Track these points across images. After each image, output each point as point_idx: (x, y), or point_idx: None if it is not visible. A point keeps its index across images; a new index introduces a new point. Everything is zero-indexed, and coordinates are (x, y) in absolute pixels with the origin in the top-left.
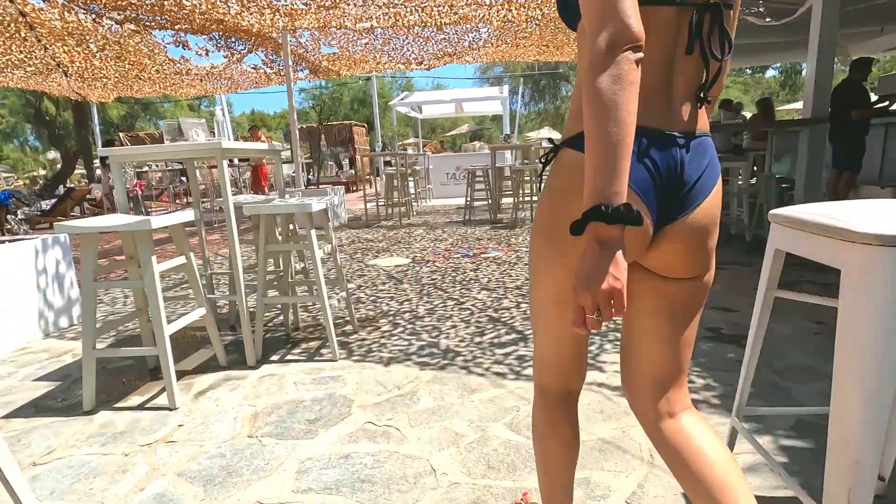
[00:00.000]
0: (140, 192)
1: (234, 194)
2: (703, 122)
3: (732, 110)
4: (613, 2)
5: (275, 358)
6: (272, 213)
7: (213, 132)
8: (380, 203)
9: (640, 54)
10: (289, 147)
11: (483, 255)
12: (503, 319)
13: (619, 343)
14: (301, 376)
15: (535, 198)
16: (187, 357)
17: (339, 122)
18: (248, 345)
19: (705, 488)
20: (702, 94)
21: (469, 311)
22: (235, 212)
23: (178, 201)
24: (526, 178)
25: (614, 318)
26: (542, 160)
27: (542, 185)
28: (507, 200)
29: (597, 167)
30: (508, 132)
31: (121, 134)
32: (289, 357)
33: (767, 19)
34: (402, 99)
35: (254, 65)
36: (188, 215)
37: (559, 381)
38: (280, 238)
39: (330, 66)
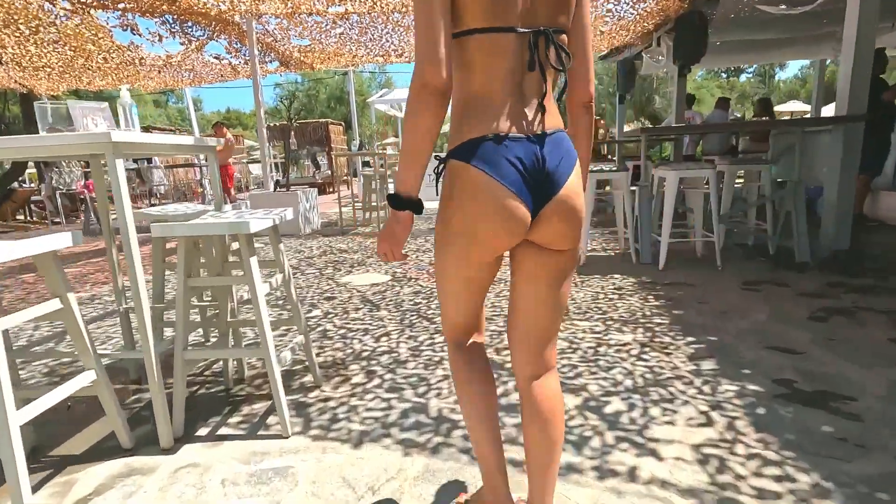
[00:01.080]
0: (90, 194)
1: (171, 200)
2: (555, 121)
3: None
4: (428, 51)
5: (203, 432)
6: (190, 234)
7: (119, 121)
8: (356, 206)
9: (447, 93)
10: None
11: None
12: (508, 366)
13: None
14: (234, 469)
15: None
16: (76, 435)
17: (315, 119)
18: (161, 421)
19: (546, 443)
20: (546, 102)
21: None
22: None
23: (143, 202)
24: None
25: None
26: (436, 170)
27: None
28: None
29: (401, 169)
30: None
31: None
32: (223, 430)
33: (782, 6)
34: (381, 96)
35: (216, 54)
36: (62, 240)
37: (465, 333)
38: (212, 266)
39: (303, 59)
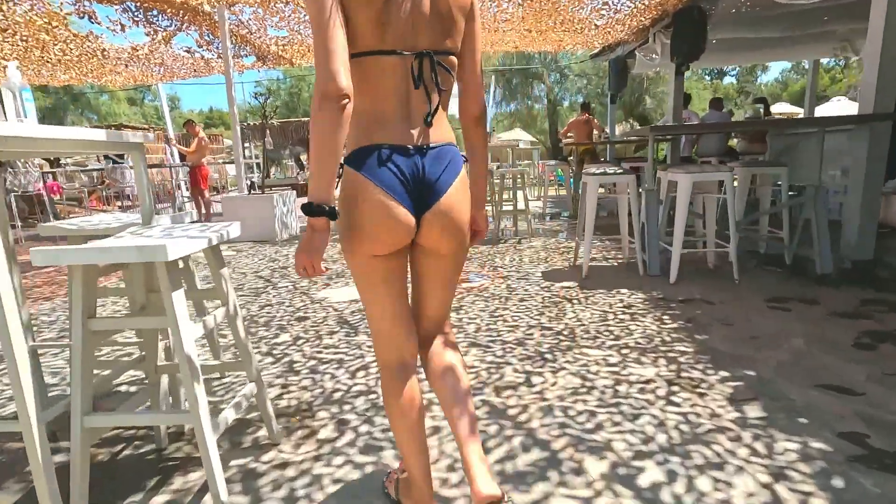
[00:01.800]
0: (50, 196)
1: (153, 199)
2: (440, 135)
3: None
4: (325, 63)
5: None
6: (84, 262)
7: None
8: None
9: (344, 101)
10: (246, 146)
11: (464, 284)
12: (512, 412)
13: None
14: None
15: (521, 205)
16: None
17: (297, 118)
18: None
19: (449, 402)
20: (432, 118)
21: None
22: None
23: (115, 204)
24: (505, 183)
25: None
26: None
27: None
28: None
29: (311, 179)
30: (487, 130)
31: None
32: None
33: None
34: None
35: (187, 47)
36: None
37: (395, 353)
38: (135, 297)
39: (281, 53)
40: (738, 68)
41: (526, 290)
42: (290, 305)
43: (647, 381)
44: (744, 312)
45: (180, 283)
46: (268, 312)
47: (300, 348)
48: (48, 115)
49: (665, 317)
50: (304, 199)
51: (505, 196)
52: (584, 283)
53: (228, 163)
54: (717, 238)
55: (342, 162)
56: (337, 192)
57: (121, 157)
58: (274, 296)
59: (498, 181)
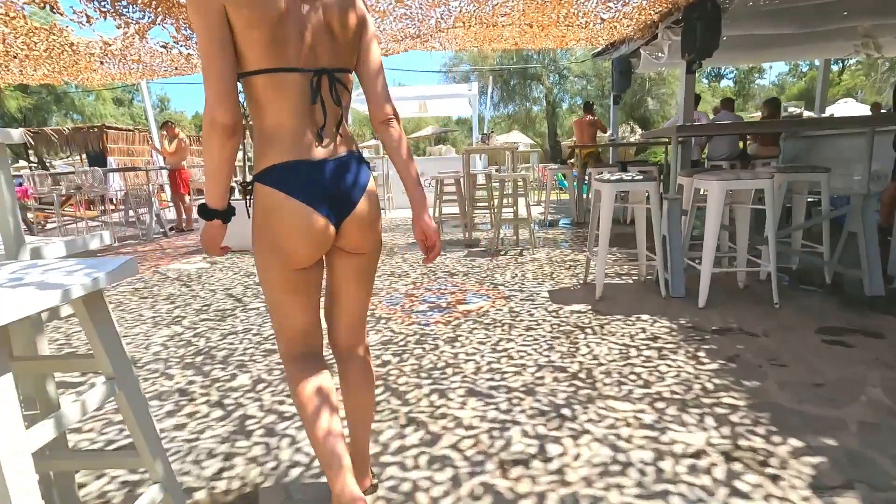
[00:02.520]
0: (25, 201)
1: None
2: (344, 147)
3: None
4: (213, 91)
5: None
6: None
7: None
8: None
9: (229, 130)
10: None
11: (461, 306)
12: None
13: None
14: None
15: (523, 213)
16: None
17: None
18: None
19: (352, 410)
20: (336, 131)
21: (452, 474)
22: None
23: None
24: (502, 188)
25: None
26: (244, 190)
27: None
28: (479, 213)
29: (207, 188)
30: (486, 131)
31: (20, 129)
32: None
33: None
34: (358, 95)
35: (164, 42)
36: None
37: (303, 342)
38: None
39: None
40: (735, 71)
41: (532, 316)
42: (259, 333)
43: (697, 454)
44: (796, 349)
45: (6, 363)
46: (230, 343)
47: (259, 396)
48: (31, 115)
49: (700, 353)
50: None
51: (504, 202)
52: (598, 306)
53: None
54: (750, 254)
55: (253, 180)
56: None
57: (104, 161)
58: (242, 320)
59: (497, 186)
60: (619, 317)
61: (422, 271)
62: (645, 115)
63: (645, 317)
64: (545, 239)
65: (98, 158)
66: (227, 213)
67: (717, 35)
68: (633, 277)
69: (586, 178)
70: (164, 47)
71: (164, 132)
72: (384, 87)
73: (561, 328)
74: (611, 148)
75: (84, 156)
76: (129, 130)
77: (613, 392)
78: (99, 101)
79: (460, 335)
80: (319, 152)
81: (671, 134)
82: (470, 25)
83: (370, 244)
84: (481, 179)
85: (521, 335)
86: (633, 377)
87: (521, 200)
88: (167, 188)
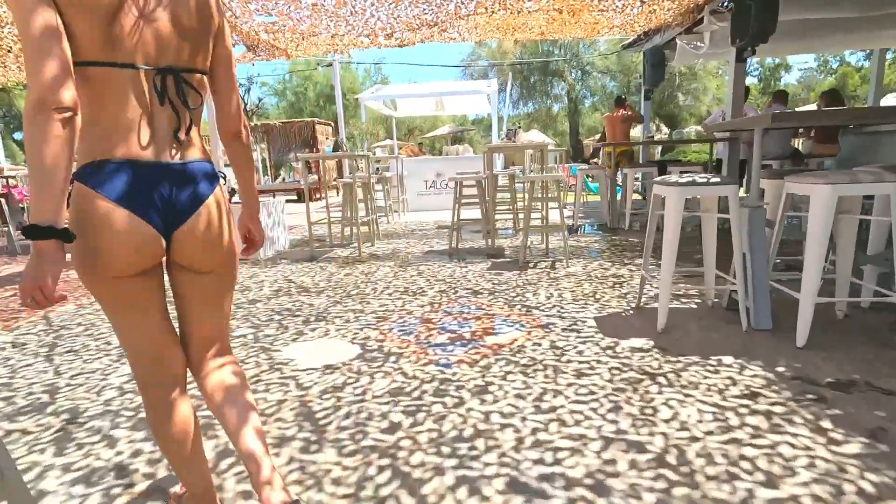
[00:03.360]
0: (18, 205)
1: None
2: (191, 153)
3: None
4: (39, 71)
5: None
6: None
7: None
8: (333, 221)
9: (67, 114)
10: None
11: (489, 338)
12: None
13: None
14: None
15: (553, 218)
16: None
17: (301, 119)
18: None
19: (230, 426)
20: (180, 135)
21: None
22: None
23: None
24: (531, 191)
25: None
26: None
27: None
28: (501, 217)
29: (32, 197)
30: (512, 126)
31: None
32: None
33: None
34: (373, 92)
35: None
36: None
37: (154, 369)
38: None
39: (273, 41)
40: (759, 67)
41: (582, 355)
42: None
43: None
44: None
45: None
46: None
47: (222, 483)
48: None
49: (826, 423)
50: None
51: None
52: (663, 340)
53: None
54: (854, 278)
55: (71, 178)
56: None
57: None
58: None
59: (522, 187)
60: (694, 358)
61: (440, 288)
62: (672, 112)
63: (728, 359)
64: (576, 247)
65: None
66: (66, 232)
67: (774, 17)
68: (696, 300)
69: (618, 178)
70: None
71: None
72: (238, 102)
73: (623, 375)
74: (640, 146)
75: None
76: None
77: (725, 494)
78: None
79: (491, 382)
80: (159, 154)
81: (758, 124)
82: (493, 12)
83: (214, 262)
84: (501, 181)
85: (571, 384)
86: (745, 465)
87: (550, 204)
88: None
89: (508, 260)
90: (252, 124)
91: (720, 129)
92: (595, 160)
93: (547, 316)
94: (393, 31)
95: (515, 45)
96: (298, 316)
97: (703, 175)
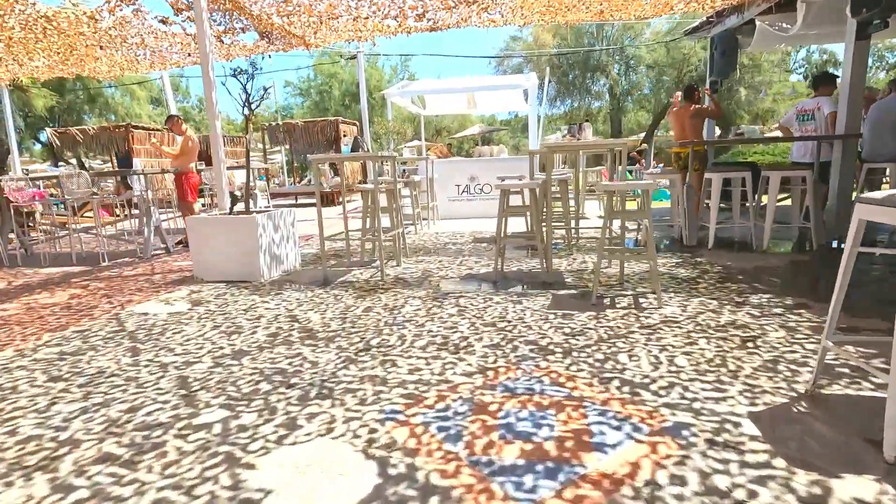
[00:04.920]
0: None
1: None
2: None
3: None
4: None
5: None
6: None
7: None
8: (352, 236)
9: None
10: (276, 149)
11: (588, 456)
12: None
13: None
14: None
15: (631, 231)
16: None
17: (324, 118)
18: None
19: None
20: None
21: None
22: None
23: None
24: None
25: None
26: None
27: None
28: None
29: None
30: (578, 123)
31: (48, 130)
32: None
33: None
34: (401, 87)
35: (161, 16)
36: None
37: None
38: None
39: (288, 28)
40: (805, 65)
41: None
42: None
43: None
44: None
45: None
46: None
47: None
48: (64, 116)
49: None
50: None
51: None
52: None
53: (236, 168)
54: None
55: None
56: None
57: (130, 162)
58: (155, 470)
59: (570, 195)
60: None
61: (491, 338)
62: (728, 110)
63: None
64: (644, 270)
65: (124, 160)
66: None
67: None
68: (874, 379)
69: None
70: (164, 21)
71: (169, 128)
72: None
73: None
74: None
75: (114, 156)
76: (158, 130)
77: None
78: (134, 101)
79: None
80: None
81: None
82: None
83: None
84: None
85: None
86: None
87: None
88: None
89: (573, 292)
90: (270, 123)
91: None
92: (640, 157)
93: (669, 408)
94: (426, 11)
95: (553, 37)
96: (295, 386)
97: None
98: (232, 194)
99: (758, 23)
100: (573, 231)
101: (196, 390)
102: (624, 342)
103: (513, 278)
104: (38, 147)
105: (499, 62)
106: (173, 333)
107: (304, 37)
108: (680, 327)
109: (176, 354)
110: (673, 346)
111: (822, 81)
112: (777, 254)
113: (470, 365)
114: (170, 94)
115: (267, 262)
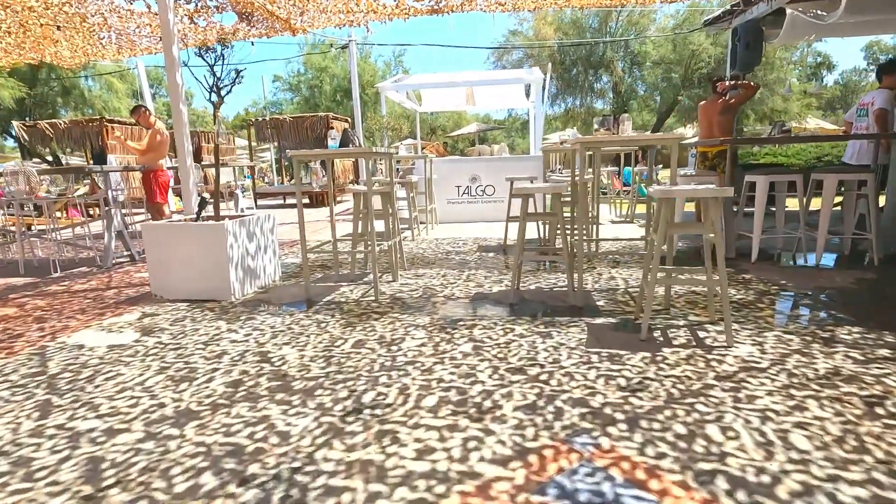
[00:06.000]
0: None
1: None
2: None
3: None
4: None
5: None
6: None
7: None
8: (339, 241)
9: None
10: (265, 146)
11: None
12: None
13: None
14: None
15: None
16: None
17: (314, 114)
18: None
19: None
20: None
21: None
22: None
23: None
24: (661, 211)
25: None
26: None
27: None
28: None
29: None
30: (613, 115)
31: (15, 123)
32: None
33: None
34: (395, 81)
35: None
36: None
37: None
38: None
39: (270, 8)
40: (798, 68)
41: None
42: None
43: None
44: None
45: None
46: None
47: None
48: (36, 109)
49: None
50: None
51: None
52: None
53: (223, 166)
54: None
55: None
56: None
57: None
58: None
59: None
60: None
61: (523, 393)
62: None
63: None
64: (689, 291)
65: (100, 156)
66: None
67: None
68: None
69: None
70: None
71: (136, 120)
72: None
73: None
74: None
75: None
76: (135, 124)
77: None
78: (113, 94)
79: None
80: None
81: None
82: None
83: None
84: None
85: None
86: None
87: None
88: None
89: (611, 321)
90: (257, 119)
91: None
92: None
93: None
94: None
95: (555, 32)
96: (251, 483)
97: None
98: (201, 196)
99: (789, 11)
100: (593, 240)
101: (106, 487)
102: (705, 404)
103: (532, 300)
104: (9, 143)
105: (497, 58)
106: (105, 380)
107: (290, 19)
108: (770, 378)
109: (98, 416)
110: (777, 414)
111: (886, 71)
112: (834, 269)
113: (502, 442)
114: (144, 82)
115: (239, 277)
